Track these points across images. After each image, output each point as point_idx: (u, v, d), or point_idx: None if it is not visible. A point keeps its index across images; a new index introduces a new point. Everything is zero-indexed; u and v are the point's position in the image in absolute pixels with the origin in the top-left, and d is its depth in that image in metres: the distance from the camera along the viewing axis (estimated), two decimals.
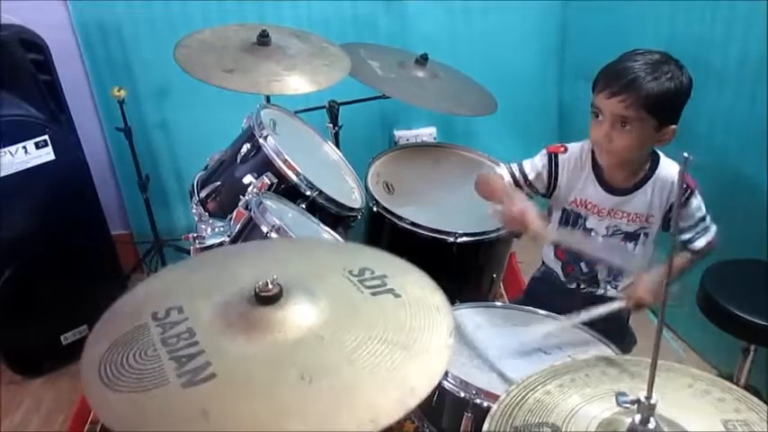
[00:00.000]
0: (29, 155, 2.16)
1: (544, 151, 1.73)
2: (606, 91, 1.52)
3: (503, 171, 1.77)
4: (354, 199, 2.05)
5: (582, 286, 1.79)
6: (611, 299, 1.76)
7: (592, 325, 1.61)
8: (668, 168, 1.65)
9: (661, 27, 2.28)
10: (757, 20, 1.91)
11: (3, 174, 2.12)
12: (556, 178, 1.72)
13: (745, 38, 1.97)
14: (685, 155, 0.79)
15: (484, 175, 1.80)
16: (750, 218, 2.05)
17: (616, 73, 1.53)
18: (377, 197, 2.08)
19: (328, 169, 2.12)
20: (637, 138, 1.54)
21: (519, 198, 1.60)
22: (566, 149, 1.72)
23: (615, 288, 1.77)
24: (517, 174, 1.75)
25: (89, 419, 2.23)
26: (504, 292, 2.58)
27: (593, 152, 1.68)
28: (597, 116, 1.57)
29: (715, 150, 2.14)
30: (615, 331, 1.63)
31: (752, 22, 1.94)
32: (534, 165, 1.74)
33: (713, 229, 1.70)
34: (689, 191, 1.64)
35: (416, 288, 1.12)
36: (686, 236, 1.68)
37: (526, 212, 1.54)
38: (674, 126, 1.55)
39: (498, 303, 1.79)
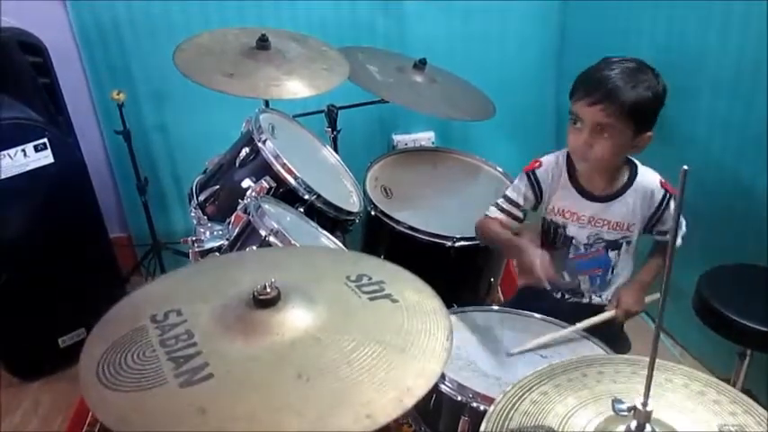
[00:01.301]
0: (28, 158, 2.16)
1: (521, 174, 1.78)
2: (586, 99, 1.55)
3: (494, 213, 1.79)
4: (352, 203, 2.06)
5: (566, 296, 1.82)
6: (599, 307, 1.78)
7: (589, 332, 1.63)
8: (647, 177, 1.69)
9: (658, 31, 2.28)
10: (753, 23, 1.92)
11: (2, 177, 2.12)
12: (541, 193, 1.75)
13: (742, 41, 1.98)
14: (684, 167, 0.79)
15: (480, 225, 1.82)
16: (747, 222, 2.05)
17: (596, 82, 1.55)
18: (375, 201, 2.08)
19: (327, 173, 2.13)
20: (615, 145, 1.58)
21: (526, 250, 1.62)
22: (540, 164, 1.76)
23: (600, 298, 1.80)
24: (507, 206, 1.78)
25: (87, 421, 2.23)
26: (501, 297, 2.59)
27: (567, 160, 1.71)
28: (575, 123, 1.60)
29: (712, 154, 2.14)
30: (610, 338, 1.64)
31: (748, 25, 1.95)
32: (518, 189, 1.78)
33: (684, 223, 1.73)
34: (670, 195, 1.68)
35: (414, 293, 1.13)
36: (669, 237, 1.71)
37: (535, 266, 1.56)
38: (649, 133, 1.59)
39: (495, 307, 1.80)
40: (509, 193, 1.79)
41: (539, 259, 1.57)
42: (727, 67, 2.05)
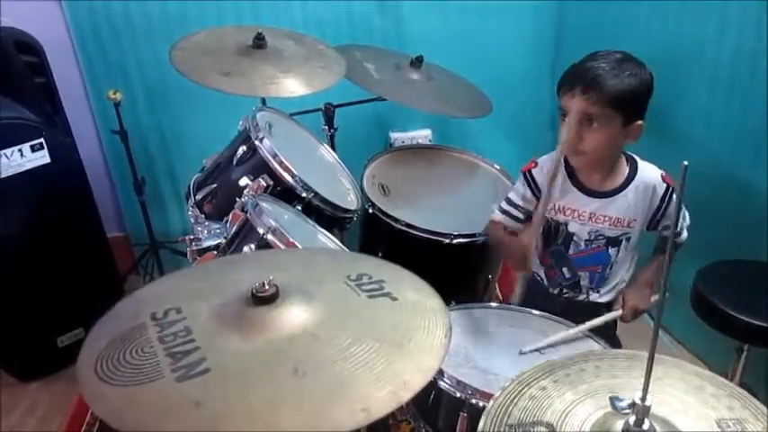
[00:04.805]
0: (24, 158, 2.16)
1: (520, 174, 1.80)
2: (571, 91, 1.56)
3: (497, 216, 1.84)
4: (350, 201, 2.06)
5: (564, 291, 1.82)
6: (594, 304, 1.79)
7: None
8: (648, 172, 1.69)
9: (654, 28, 2.29)
10: (750, 20, 1.92)
11: None
12: (539, 192, 1.76)
13: (739, 37, 1.98)
14: (684, 163, 0.79)
15: (488, 230, 1.90)
16: (745, 217, 2.06)
17: (579, 73, 1.57)
18: (372, 199, 2.08)
19: (324, 171, 2.13)
20: (605, 135, 1.57)
21: (509, 244, 1.78)
22: (536, 164, 1.77)
23: (597, 293, 1.80)
24: (507, 208, 1.82)
25: (85, 421, 2.24)
26: (499, 293, 2.59)
27: (566, 158, 1.70)
28: (564, 117, 1.60)
29: (709, 149, 2.15)
30: (604, 340, 1.64)
31: (745, 20, 1.95)
32: (518, 191, 1.81)
33: (687, 215, 1.76)
34: (671, 189, 1.67)
35: (413, 292, 1.13)
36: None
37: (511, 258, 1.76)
38: (640, 122, 1.59)
39: (493, 304, 1.80)
40: (510, 195, 1.83)
41: (515, 251, 1.73)
42: (725, 62, 2.05)
